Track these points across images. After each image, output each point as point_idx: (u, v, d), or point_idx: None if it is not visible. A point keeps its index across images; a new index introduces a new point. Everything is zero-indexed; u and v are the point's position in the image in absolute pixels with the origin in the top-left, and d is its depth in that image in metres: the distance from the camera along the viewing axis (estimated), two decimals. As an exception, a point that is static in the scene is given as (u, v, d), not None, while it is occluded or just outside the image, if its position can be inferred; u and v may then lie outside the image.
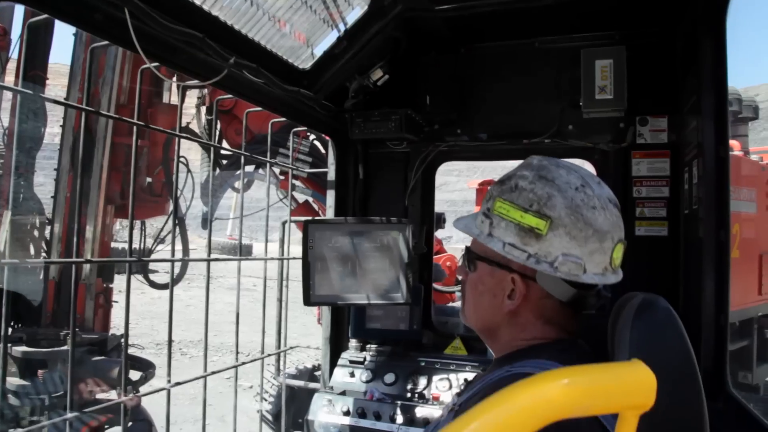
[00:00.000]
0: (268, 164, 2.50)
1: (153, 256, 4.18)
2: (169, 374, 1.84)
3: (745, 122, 6.65)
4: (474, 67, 2.34)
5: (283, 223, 2.63)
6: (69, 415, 1.53)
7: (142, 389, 4.06)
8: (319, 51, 2.14)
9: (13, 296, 3.54)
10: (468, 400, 0.93)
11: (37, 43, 3.55)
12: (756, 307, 5.62)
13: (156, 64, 1.67)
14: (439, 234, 4.65)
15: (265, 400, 4.99)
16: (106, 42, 1.53)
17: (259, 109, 2.21)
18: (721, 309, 1.65)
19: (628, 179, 2.17)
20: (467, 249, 1.11)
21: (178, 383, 1.84)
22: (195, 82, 1.79)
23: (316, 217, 3.67)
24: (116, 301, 4.00)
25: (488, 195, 1.05)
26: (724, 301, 1.65)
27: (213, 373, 2.01)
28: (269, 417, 4.36)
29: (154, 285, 4.16)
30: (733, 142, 6.46)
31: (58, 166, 3.80)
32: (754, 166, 5.78)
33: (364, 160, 2.47)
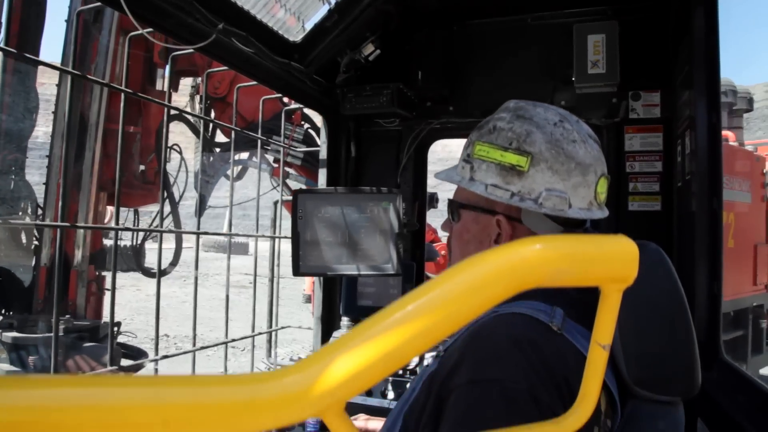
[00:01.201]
0: (259, 142, 2.48)
1: (146, 245, 4.16)
2: (156, 348, 1.82)
3: (740, 114, 6.66)
4: (466, 44, 2.33)
5: (275, 203, 2.61)
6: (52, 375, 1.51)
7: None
8: (310, 25, 2.13)
9: (4, 283, 3.51)
10: (451, 344, 0.91)
11: (29, 27, 3.53)
12: (751, 297, 5.62)
13: (148, 30, 1.65)
14: (432, 223, 4.65)
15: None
16: (94, 5, 1.51)
17: (252, 83, 2.18)
18: (714, 277, 1.63)
19: (621, 154, 2.16)
20: (450, 201, 1.09)
21: (165, 356, 1.82)
22: (186, 51, 1.77)
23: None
24: (108, 288, 3.98)
25: (467, 143, 1.03)
26: (717, 270, 1.63)
27: (202, 348, 1.99)
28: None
29: (146, 273, 4.14)
30: (728, 133, 6.48)
31: (49, 153, 3.78)
32: (749, 156, 5.78)
33: (356, 138, 2.46)
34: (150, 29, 1.56)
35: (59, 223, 1.47)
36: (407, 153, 2.41)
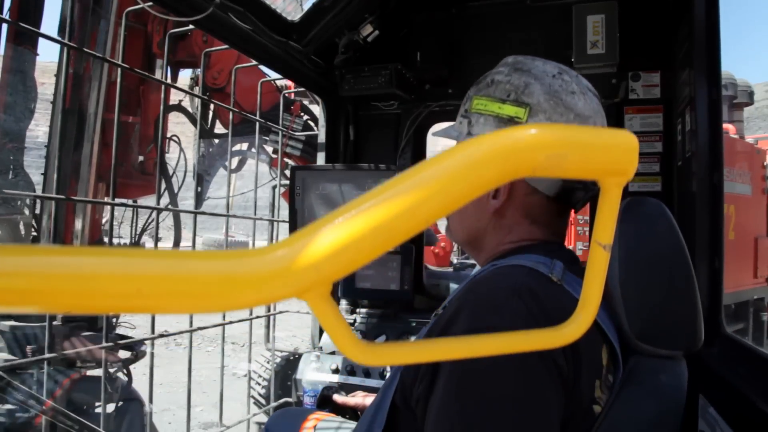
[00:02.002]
0: (257, 126, 2.46)
1: (145, 242, 4.14)
2: (153, 327, 1.80)
3: (740, 108, 6.64)
4: (465, 26, 2.31)
5: (273, 188, 2.60)
6: (47, 354, 1.50)
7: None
8: (308, 4, 2.12)
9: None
10: (450, 301, 0.90)
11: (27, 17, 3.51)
12: (751, 290, 5.60)
13: (148, 2, 1.64)
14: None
15: (258, 384, 4.95)
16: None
17: (251, 63, 2.17)
18: (716, 252, 1.62)
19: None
20: None
21: (162, 335, 1.80)
22: (184, 28, 1.76)
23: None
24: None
25: (465, 99, 1.02)
26: (719, 244, 1.62)
27: (199, 328, 1.98)
28: (261, 400, 4.31)
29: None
30: (728, 126, 6.46)
31: (48, 143, 3.75)
32: (749, 148, 5.77)
33: (354, 121, 2.45)
34: (149, 2, 1.55)
35: (58, 196, 1.45)
36: (406, 136, 2.40)
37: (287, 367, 4.44)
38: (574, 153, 0.38)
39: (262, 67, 3.75)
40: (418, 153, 2.43)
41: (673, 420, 0.82)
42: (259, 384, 5.00)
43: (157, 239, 2.03)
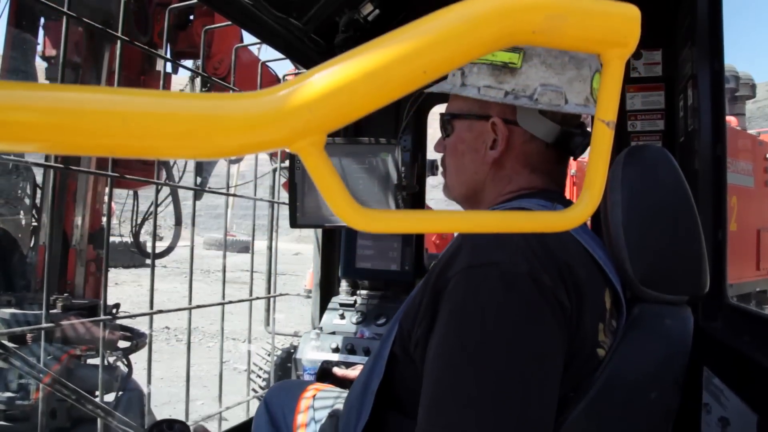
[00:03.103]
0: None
1: (145, 226, 4.13)
2: (152, 299, 1.79)
3: (742, 100, 6.63)
4: (466, 6, 2.31)
5: (274, 171, 2.60)
6: (45, 325, 1.49)
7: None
8: (308, -18, 2.10)
9: (3, 262, 3.49)
10: (448, 245, 0.88)
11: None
12: (753, 282, 5.57)
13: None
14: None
15: (260, 377, 4.94)
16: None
17: (253, 43, 2.16)
18: (719, 224, 1.61)
19: (623, 114, 2.14)
20: (441, 116, 1.07)
21: (161, 311, 1.79)
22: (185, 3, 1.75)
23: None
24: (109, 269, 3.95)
25: None
26: (722, 216, 1.61)
27: (198, 306, 1.96)
28: (262, 393, 4.30)
29: (144, 253, 4.11)
30: (730, 118, 6.44)
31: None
32: (752, 140, 5.75)
33: (355, 104, 2.43)
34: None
35: (58, 165, 1.43)
36: (406, 118, 2.39)
37: (287, 360, 4.43)
38: (574, 16, 0.37)
39: (263, 57, 3.74)
40: (418, 134, 2.42)
41: (679, 365, 0.81)
42: (260, 377, 4.99)
43: (155, 227, 2.02)
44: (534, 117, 0.92)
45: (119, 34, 1.77)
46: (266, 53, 7.88)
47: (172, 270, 13.67)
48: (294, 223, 1.74)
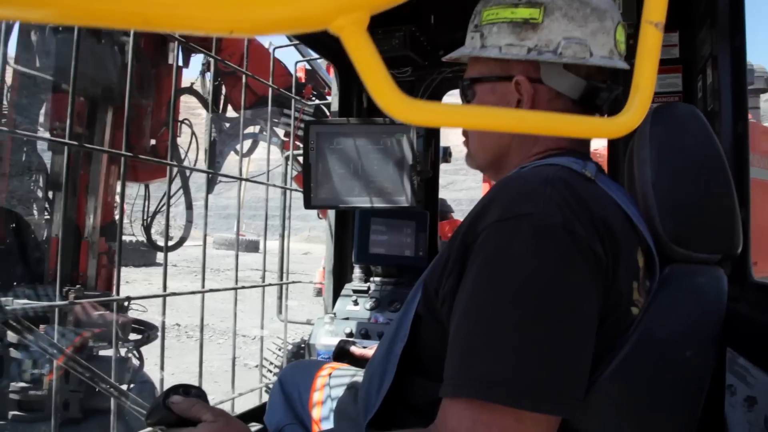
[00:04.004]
0: (269, 101, 2.45)
1: (155, 227, 4.14)
2: (164, 284, 1.79)
3: (756, 94, 6.55)
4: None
5: (286, 158, 2.59)
6: (58, 302, 1.48)
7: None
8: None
9: (15, 254, 3.50)
10: (474, 206, 0.86)
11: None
12: (770, 278, 5.47)
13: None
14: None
15: (270, 371, 4.94)
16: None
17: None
18: (742, 203, 1.57)
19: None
20: (461, 82, 1.05)
21: (173, 293, 1.78)
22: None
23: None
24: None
25: (473, 16, 0.99)
26: (745, 196, 1.58)
27: (212, 290, 1.95)
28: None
29: (155, 246, 4.12)
30: (744, 112, 6.33)
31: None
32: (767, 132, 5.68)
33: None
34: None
35: (72, 142, 1.41)
36: (420, 103, 2.37)
37: (298, 355, 4.42)
38: None
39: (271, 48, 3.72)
40: (432, 120, 2.40)
41: (714, 323, 0.79)
42: (271, 371, 4.98)
43: (168, 211, 2.01)
44: (558, 73, 0.90)
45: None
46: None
47: (183, 269, 13.73)
48: (308, 204, 1.73)
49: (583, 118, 0.38)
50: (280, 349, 5.07)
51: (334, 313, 2.15)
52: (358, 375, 1.37)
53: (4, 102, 3.50)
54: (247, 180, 2.05)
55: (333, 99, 2.42)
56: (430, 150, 2.33)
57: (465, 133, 1.09)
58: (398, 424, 0.86)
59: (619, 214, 0.78)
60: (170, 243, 3.81)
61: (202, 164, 4.20)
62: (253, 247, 18.91)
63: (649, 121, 0.87)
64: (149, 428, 1.61)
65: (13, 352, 3.16)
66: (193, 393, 0.91)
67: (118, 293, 1.66)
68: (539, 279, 0.69)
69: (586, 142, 0.97)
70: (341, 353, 1.54)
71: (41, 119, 3.46)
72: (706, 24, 1.82)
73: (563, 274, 0.70)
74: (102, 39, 3.42)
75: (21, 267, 3.52)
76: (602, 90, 0.92)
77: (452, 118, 0.35)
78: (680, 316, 0.77)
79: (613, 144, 2.08)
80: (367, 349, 1.55)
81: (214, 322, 8.07)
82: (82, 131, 3.53)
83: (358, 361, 1.52)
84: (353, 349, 1.53)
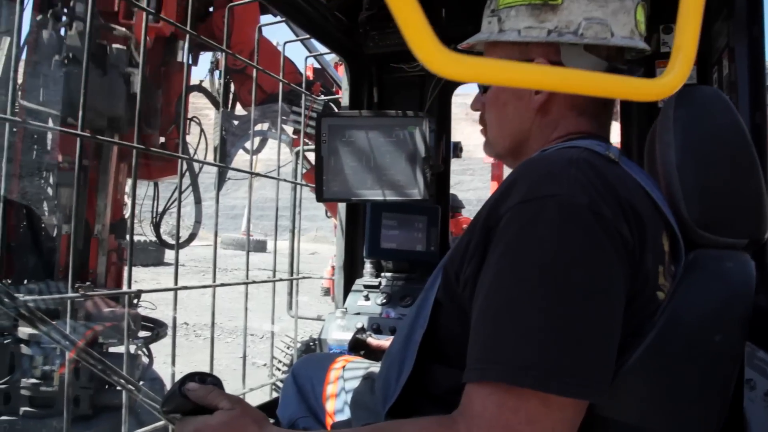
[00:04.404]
0: (279, 96, 2.44)
1: (164, 227, 4.14)
2: (176, 275, 1.78)
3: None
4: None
5: (297, 153, 2.58)
6: (71, 294, 1.48)
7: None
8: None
9: (26, 251, 3.52)
10: (497, 189, 0.84)
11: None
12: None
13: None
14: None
15: (279, 369, 4.94)
16: None
17: (276, 21, 2.14)
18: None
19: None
20: None
21: (185, 287, 1.78)
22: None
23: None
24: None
25: (489, 1, 0.98)
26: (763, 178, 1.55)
27: (223, 284, 1.95)
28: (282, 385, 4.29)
29: (164, 244, 4.13)
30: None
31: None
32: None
33: (378, 84, 2.41)
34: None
35: (84, 134, 1.40)
36: (430, 98, 2.36)
37: (307, 352, 4.41)
38: None
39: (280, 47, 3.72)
40: (443, 115, 2.39)
41: (742, 309, 0.77)
42: (279, 370, 4.98)
43: (179, 210, 2.00)
44: (579, 54, 0.89)
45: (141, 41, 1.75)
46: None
47: (191, 269, 13.76)
48: (320, 197, 1.72)
49: (625, 79, 0.37)
50: (288, 347, 5.07)
51: (345, 309, 2.14)
52: (372, 367, 1.36)
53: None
54: (258, 175, 2.04)
55: (344, 94, 2.41)
56: (441, 144, 2.31)
57: (482, 122, 1.08)
58: (417, 412, 0.85)
59: (643, 197, 0.77)
60: (184, 235, 3.81)
61: (209, 170, 4.22)
62: (260, 247, 18.94)
63: (672, 105, 0.86)
64: (162, 420, 1.61)
65: (24, 348, 3.17)
66: (209, 381, 0.90)
67: (129, 286, 1.65)
68: (565, 260, 0.67)
69: (606, 127, 0.96)
70: (357, 344, 1.53)
71: (48, 150, 3.47)
72: (722, 15, 1.80)
73: (590, 255, 0.68)
74: (108, 71, 3.44)
75: (31, 263, 3.54)
76: (623, 71, 0.90)
77: (493, 74, 0.33)
78: (708, 301, 0.75)
79: (626, 131, 2.06)
80: (384, 340, 1.53)
81: (222, 321, 8.08)
82: (88, 163, 3.56)
83: (373, 353, 1.51)
84: (370, 339, 1.52)
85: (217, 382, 0.90)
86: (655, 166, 0.90)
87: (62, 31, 3.39)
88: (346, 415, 1.27)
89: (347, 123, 1.74)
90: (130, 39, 3.53)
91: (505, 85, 0.83)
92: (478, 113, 1.10)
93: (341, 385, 1.33)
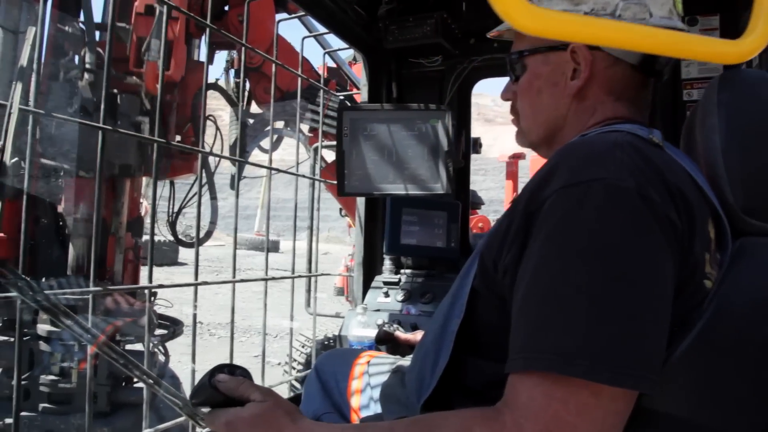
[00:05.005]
0: (298, 95, 2.43)
1: (180, 217, 4.16)
2: (196, 270, 1.77)
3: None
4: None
5: (315, 148, 2.57)
6: (92, 288, 1.47)
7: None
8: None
9: (41, 249, 3.54)
10: (536, 173, 0.81)
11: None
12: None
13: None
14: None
15: (294, 368, 4.93)
16: None
17: (295, 15, 2.12)
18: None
19: (677, 82, 2.05)
20: (509, 57, 1.01)
21: (206, 282, 1.77)
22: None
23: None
24: (144, 257, 3.99)
25: None
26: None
27: (242, 280, 1.94)
28: (297, 385, 4.28)
29: (181, 242, 4.13)
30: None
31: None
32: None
33: (397, 79, 2.39)
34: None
35: (106, 126, 1.39)
36: (450, 92, 2.33)
37: (323, 349, 4.40)
38: None
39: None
40: (463, 110, 2.37)
41: None
42: (295, 369, 4.97)
43: (200, 204, 1.99)
44: None
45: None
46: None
47: (204, 268, 13.83)
48: (342, 191, 1.70)
49: (707, 39, 0.35)
50: (303, 346, 5.06)
51: (365, 306, 2.13)
52: (397, 362, 1.34)
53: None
54: (277, 170, 2.03)
55: (362, 90, 2.39)
56: (460, 140, 2.29)
57: (514, 111, 1.05)
58: (453, 406, 0.83)
59: (690, 183, 0.74)
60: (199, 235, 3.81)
61: (227, 164, 4.21)
62: (273, 247, 18.99)
63: (715, 88, 0.83)
64: (182, 417, 1.60)
65: (43, 345, 3.18)
66: (238, 373, 0.89)
67: (150, 281, 1.64)
68: (614, 245, 0.65)
69: (644, 112, 0.93)
70: (385, 337, 1.50)
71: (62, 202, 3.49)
72: (750, 5, 1.76)
73: (639, 240, 0.66)
74: (118, 120, 3.45)
75: (50, 260, 3.55)
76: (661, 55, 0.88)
77: (580, 30, 0.31)
78: (758, 290, 0.72)
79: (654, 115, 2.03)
80: (411, 334, 1.51)
81: (236, 320, 8.08)
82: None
83: (399, 347, 1.48)
84: (398, 333, 1.49)
85: (246, 374, 0.89)
86: (693, 152, 0.87)
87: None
88: (371, 410, 1.25)
89: (369, 117, 1.73)
90: (140, 87, 3.54)
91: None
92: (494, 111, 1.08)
93: (366, 381, 1.31)
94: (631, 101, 0.90)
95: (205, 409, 0.88)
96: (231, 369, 0.89)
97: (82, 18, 3.45)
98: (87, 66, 3.25)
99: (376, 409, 1.23)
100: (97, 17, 3.63)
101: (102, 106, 1.50)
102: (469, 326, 0.82)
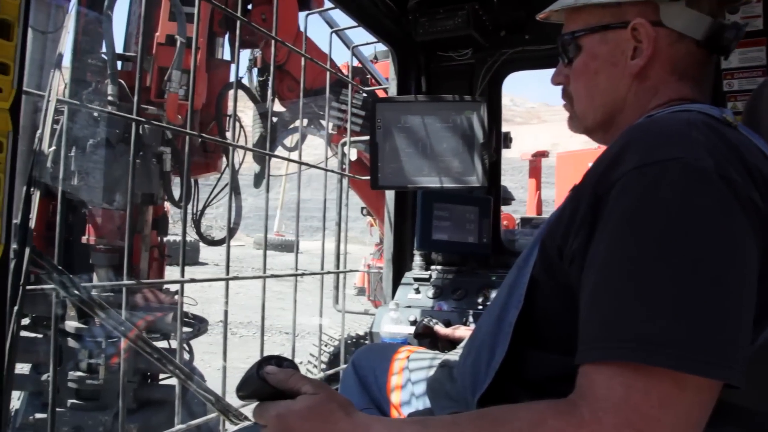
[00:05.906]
0: (326, 88, 2.41)
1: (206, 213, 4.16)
2: (227, 265, 1.76)
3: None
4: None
5: (342, 145, 2.55)
6: (125, 281, 1.47)
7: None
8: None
9: (68, 246, 3.56)
10: (603, 155, 0.77)
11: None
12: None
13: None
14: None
15: (316, 367, 4.92)
16: None
17: (324, 9, 2.10)
18: None
19: (718, 73, 1.99)
20: (561, 37, 0.96)
21: (236, 278, 1.75)
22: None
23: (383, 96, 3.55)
24: (169, 255, 4.01)
25: None
26: None
27: (273, 276, 1.92)
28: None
29: (206, 241, 4.14)
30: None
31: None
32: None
33: (426, 73, 2.36)
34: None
35: (140, 118, 1.39)
36: (480, 86, 2.29)
37: (346, 350, 4.38)
38: None
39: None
40: (493, 105, 2.32)
41: None
42: (316, 367, 4.96)
43: (231, 194, 1.97)
44: (681, 11, 0.83)
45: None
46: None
47: (225, 268, 13.91)
48: (375, 185, 1.67)
49: None
50: (326, 345, 5.04)
51: (396, 303, 2.10)
52: (437, 358, 1.31)
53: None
54: (306, 164, 2.01)
55: (390, 83, 2.37)
56: (492, 134, 2.25)
57: (566, 96, 1.01)
58: (511, 400, 0.79)
59: (766, 162, 0.70)
60: (221, 235, 3.82)
61: (249, 164, 4.21)
62: (291, 247, 18.96)
63: (755, 98, 0.80)
64: (214, 413, 1.58)
65: (71, 342, 3.20)
66: (286, 365, 0.86)
67: (182, 275, 1.63)
68: (694, 227, 0.61)
69: (707, 93, 0.89)
70: (424, 331, 1.47)
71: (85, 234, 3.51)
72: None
73: (722, 223, 0.62)
74: (140, 151, 3.46)
75: (77, 257, 3.57)
76: (728, 28, 0.83)
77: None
78: None
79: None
80: (451, 329, 1.47)
81: (257, 319, 8.11)
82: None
83: (437, 342, 1.45)
84: (437, 327, 1.46)
85: (293, 367, 0.86)
86: (758, 129, 0.83)
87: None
88: (413, 407, 1.22)
89: (402, 109, 1.70)
90: (162, 117, 3.54)
91: None
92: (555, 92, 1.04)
93: (407, 376, 1.28)
94: (695, 80, 0.86)
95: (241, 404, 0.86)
96: (278, 361, 0.86)
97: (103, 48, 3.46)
98: (110, 98, 3.25)
99: (417, 405, 1.20)
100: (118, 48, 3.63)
101: (135, 99, 1.49)
102: (528, 317, 0.79)
